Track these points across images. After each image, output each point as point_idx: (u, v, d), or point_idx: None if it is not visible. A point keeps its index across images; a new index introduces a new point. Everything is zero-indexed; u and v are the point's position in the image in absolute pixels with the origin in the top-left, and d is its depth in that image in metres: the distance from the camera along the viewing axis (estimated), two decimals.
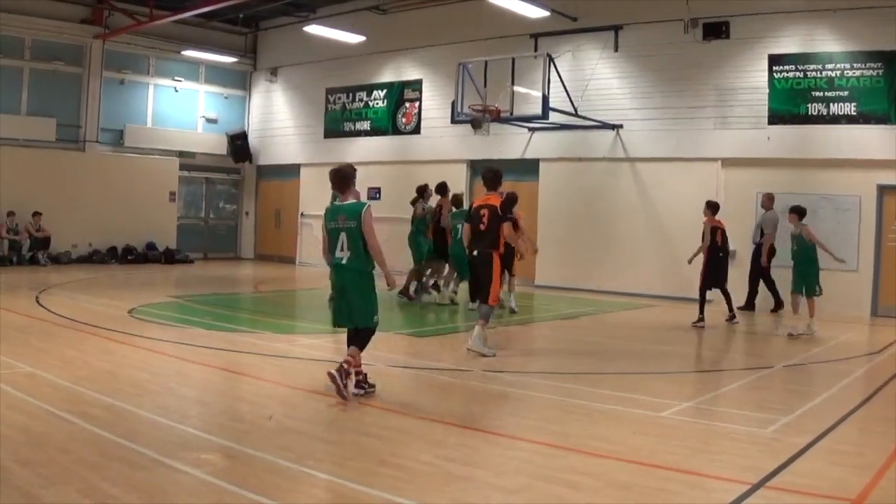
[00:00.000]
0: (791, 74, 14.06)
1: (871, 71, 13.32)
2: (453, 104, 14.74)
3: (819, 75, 13.80)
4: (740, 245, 13.70)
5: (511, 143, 17.32)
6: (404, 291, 13.05)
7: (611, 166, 16.16)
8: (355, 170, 6.54)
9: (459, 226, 11.66)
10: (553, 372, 8.00)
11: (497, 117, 14.34)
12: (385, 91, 19.84)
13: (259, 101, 22.98)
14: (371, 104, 20.16)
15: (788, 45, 14.12)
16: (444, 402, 6.53)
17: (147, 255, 20.02)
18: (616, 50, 16.06)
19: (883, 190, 13.38)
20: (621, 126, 15.85)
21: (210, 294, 13.90)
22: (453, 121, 15.18)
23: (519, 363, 8.41)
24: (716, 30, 14.74)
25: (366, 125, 20.26)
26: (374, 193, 19.36)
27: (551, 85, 14.11)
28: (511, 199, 9.73)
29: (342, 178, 6.38)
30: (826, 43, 13.77)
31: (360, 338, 6.37)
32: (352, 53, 19.74)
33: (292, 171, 21.81)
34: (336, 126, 20.89)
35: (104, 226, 19.38)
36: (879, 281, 13.41)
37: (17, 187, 17.72)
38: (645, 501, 4.24)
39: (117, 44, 19.72)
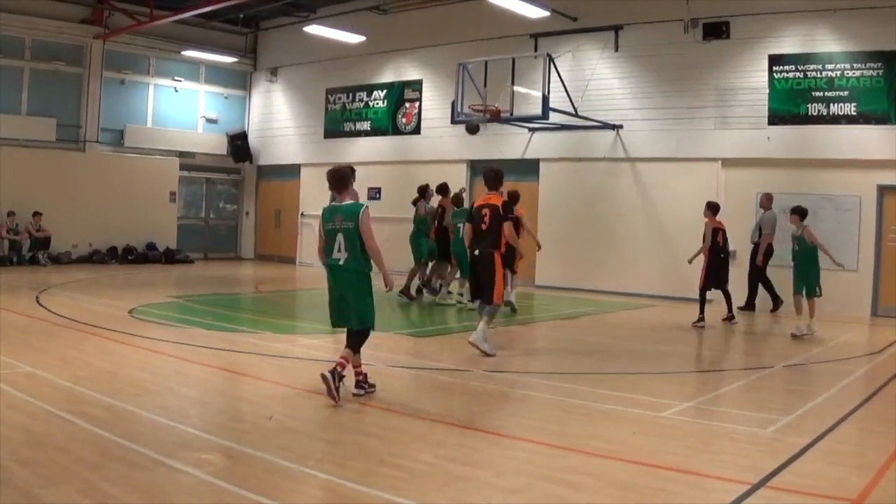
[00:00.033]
0: (791, 74, 14.06)
1: (871, 71, 13.32)
2: (453, 104, 14.74)
3: (819, 75, 13.80)
4: (740, 245, 13.69)
5: (511, 144, 17.32)
6: (405, 291, 13.07)
7: (611, 166, 16.16)
8: (353, 170, 6.52)
9: (460, 225, 11.70)
10: (553, 372, 8.01)
11: (497, 117, 14.35)
12: (385, 91, 19.84)
13: (259, 102, 22.98)
14: (371, 104, 20.17)
15: (788, 45, 14.13)
16: (445, 403, 6.53)
17: (147, 256, 20.03)
18: (616, 50, 16.07)
19: (883, 190, 13.38)
20: (621, 126, 15.85)
21: (210, 294, 13.91)
22: (453, 121, 15.19)
23: (519, 363, 8.42)
24: (716, 30, 14.74)
25: (366, 125, 20.26)
26: (375, 193, 19.38)
27: (551, 85, 14.11)
28: (512, 198, 9.75)
29: (339, 178, 6.35)
30: (826, 43, 13.77)
31: (355, 339, 6.34)
32: (352, 53, 19.74)
33: (292, 171, 21.82)
34: (336, 126, 20.89)
35: (104, 226, 19.39)
36: (880, 281, 13.41)
37: (17, 187, 17.73)
38: (645, 501, 4.24)
39: (117, 44, 19.73)
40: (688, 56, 15.06)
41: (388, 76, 19.80)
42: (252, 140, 22.84)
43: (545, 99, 13.88)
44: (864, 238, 13.37)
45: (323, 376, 5.97)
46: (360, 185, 16.82)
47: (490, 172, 8.84)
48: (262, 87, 22.84)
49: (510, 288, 11.60)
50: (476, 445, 5.21)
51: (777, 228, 13.24)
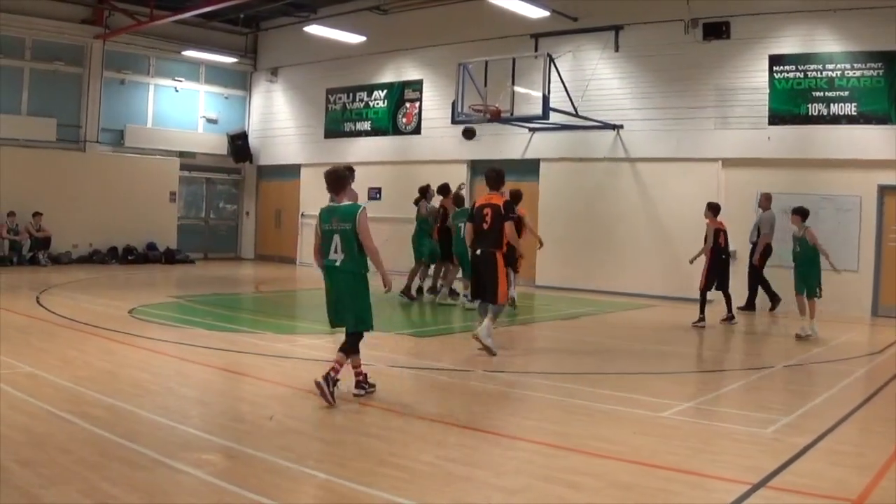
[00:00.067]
0: (791, 75, 14.06)
1: (871, 71, 13.32)
2: (454, 104, 14.75)
3: (819, 75, 13.80)
4: (740, 246, 13.69)
5: (511, 144, 17.33)
6: (405, 291, 13.07)
7: (611, 166, 16.16)
8: (352, 170, 6.50)
9: (461, 224, 11.71)
10: (554, 372, 8.01)
11: (497, 117, 14.36)
12: (385, 91, 19.84)
13: (259, 102, 22.99)
14: (371, 104, 20.17)
15: (789, 45, 14.12)
16: (445, 403, 6.53)
17: (147, 256, 20.03)
18: (616, 50, 16.07)
19: (883, 190, 13.39)
20: (622, 126, 15.85)
21: (211, 294, 13.91)
22: (454, 121, 15.18)
23: (520, 363, 8.42)
24: (716, 30, 14.74)
25: (366, 125, 20.26)
26: (375, 194, 19.39)
27: (552, 85, 14.12)
28: (513, 197, 9.74)
29: (336, 179, 6.31)
30: (826, 43, 13.77)
31: (350, 340, 6.30)
32: (352, 54, 19.75)
33: (293, 171, 21.82)
34: (336, 126, 20.90)
35: (105, 226, 19.39)
36: (880, 281, 13.41)
37: (17, 187, 17.73)
38: (646, 502, 4.24)
39: (118, 44, 19.73)
40: (688, 56, 15.06)
41: (388, 76, 19.81)
42: (252, 140, 22.85)
43: (545, 99, 13.88)
44: (864, 238, 13.37)
45: (317, 383, 5.95)
46: (361, 186, 16.86)
47: (491, 172, 8.84)
48: (262, 88, 22.84)
49: (512, 286, 11.61)
50: (476, 445, 5.21)
51: (776, 228, 13.24)
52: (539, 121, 14.95)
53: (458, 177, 17.10)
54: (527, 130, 17.05)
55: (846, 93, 13.54)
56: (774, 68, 14.22)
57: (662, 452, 5.06)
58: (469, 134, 13.70)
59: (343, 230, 6.14)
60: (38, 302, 11.41)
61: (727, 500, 4.17)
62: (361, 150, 19.91)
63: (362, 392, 6.31)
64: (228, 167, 22.85)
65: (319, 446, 5.21)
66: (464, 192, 14.06)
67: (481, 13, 16.64)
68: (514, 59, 14.52)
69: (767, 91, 14.27)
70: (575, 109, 14.93)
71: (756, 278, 13.42)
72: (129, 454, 4.60)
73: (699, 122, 15.00)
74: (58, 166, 18.78)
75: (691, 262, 11.92)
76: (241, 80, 22.99)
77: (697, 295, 11.63)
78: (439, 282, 13.35)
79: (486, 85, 14.39)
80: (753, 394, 7.27)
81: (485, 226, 8.49)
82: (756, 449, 5.22)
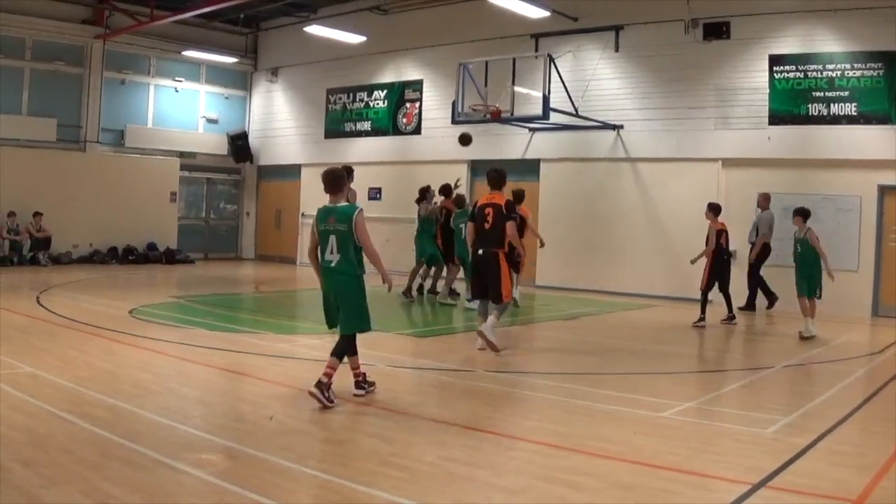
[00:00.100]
0: (791, 75, 14.06)
1: (871, 71, 13.32)
2: (454, 104, 14.74)
3: (819, 75, 13.80)
4: (740, 246, 13.69)
5: (512, 144, 17.33)
6: (406, 292, 13.07)
7: (611, 167, 16.16)
8: (351, 170, 6.48)
9: (463, 226, 11.70)
10: (554, 372, 8.01)
11: (498, 117, 14.36)
12: (386, 91, 19.85)
13: (260, 102, 22.99)
14: (372, 104, 20.17)
15: (789, 45, 14.13)
16: (446, 403, 6.54)
17: (148, 256, 20.03)
18: (617, 50, 16.07)
19: (883, 190, 13.39)
20: (622, 126, 15.86)
21: (211, 294, 13.91)
22: (454, 121, 15.17)
23: (520, 363, 8.42)
24: (716, 30, 14.75)
25: (366, 125, 20.26)
26: (375, 194, 19.40)
27: (552, 85, 14.11)
28: (516, 196, 9.73)
29: (334, 180, 6.28)
30: (826, 43, 13.77)
31: (343, 343, 6.24)
32: (352, 54, 19.75)
33: (293, 171, 21.82)
34: (337, 126, 20.90)
35: (105, 226, 19.39)
36: (880, 281, 13.41)
37: (17, 188, 17.73)
38: (647, 502, 4.24)
39: (118, 44, 19.74)
40: (688, 56, 15.07)
41: (388, 76, 19.81)
42: (252, 140, 22.85)
43: (546, 99, 13.88)
44: (864, 238, 13.37)
45: (311, 393, 5.89)
46: (361, 186, 16.87)
47: (493, 172, 8.83)
48: (262, 88, 22.85)
49: (516, 289, 11.60)
50: (477, 446, 5.21)
51: (775, 228, 13.24)
52: (539, 121, 14.96)
53: (458, 177, 17.07)
54: (527, 130, 17.06)
55: (846, 93, 13.54)
56: (774, 68, 14.22)
57: (663, 452, 5.06)
58: (465, 140, 13.64)
59: (339, 231, 6.11)
60: (38, 302, 11.41)
61: (728, 500, 4.18)
62: (362, 151, 19.92)
63: (363, 392, 6.31)
64: (229, 167, 22.86)
65: (320, 446, 5.22)
66: (461, 184, 14.05)
67: (481, 13, 16.65)
68: (514, 60, 14.52)
69: (767, 91, 14.28)
70: (575, 109, 14.93)
71: (751, 277, 13.42)
72: (130, 454, 4.61)
73: (699, 123, 15.00)
74: (58, 166, 18.78)
75: (693, 262, 11.91)
76: (241, 81, 23.00)
77: (697, 295, 11.63)
78: (440, 281, 13.35)
79: (486, 85, 14.39)
80: (754, 394, 7.27)
81: (486, 225, 8.48)
82: (756, 449, 5.22)
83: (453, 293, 13.17)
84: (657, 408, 6.26)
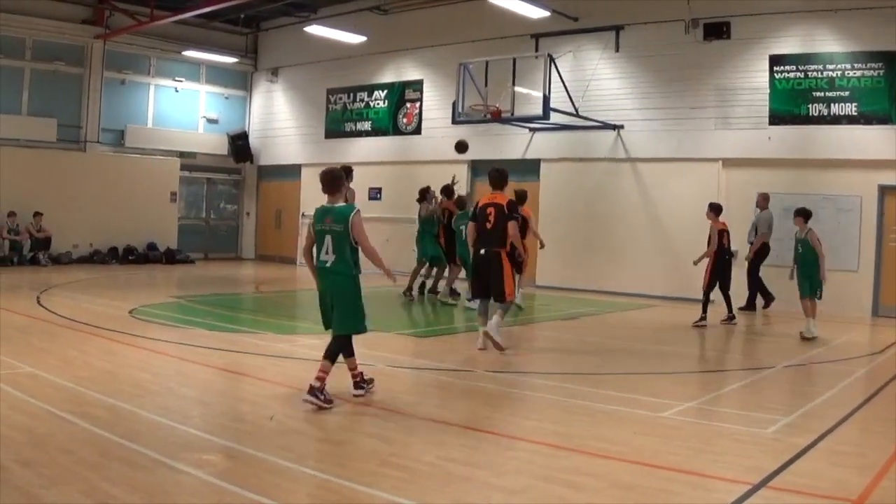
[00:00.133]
0: (792, 75, 14.06)
1: (871, 71, 13.32)
2: (454, 104, 14.75)
3: (820, 76, 13.80)
4: (740, 246, 13.69)
5: (512, 144, 17.33)
6: (407, 291, 13.07)
7: (612, 167, 16.16)
8: (350, 170, 6.45)
9: (463, 227, 11.69)
10: (554, 372, 8.01)
11: (498, 117, 14.36)
12: (386, 91, 19.85)
13: (260, 102, 22.99)
14: (372, 104, 20.17)
15: (789, 45, 14.12)
16: (446, 403, 6.53)
17: (148, 256, 20.03)
18: (617, 50, 16.06)
19: (884, 190, 13.39)
20: (622, 126, 15.85)
21: (211, 294, 13.90)
22: (454, 121, 15.19)
23: (520, 363, 8.42)
24: (716, 30, 14.75)
25: (367, 125, 20.26)
26: (375, 194, 19.40)
27: (552, 85, 14.10)
28: (519, 197, 9.72)
29: (332, 180, 6.25)
30: (827, 43, 13.77)
31: (336, 345, 6.20)
32: (353, 54, 19.75)
33: (293, 171, 21.81)
34: (337, 126, 20.90)
35: (105, 226, 19.40)
36: (880, 281, 13.41)
37: (17, 188, 17.73)
38: (647, 502, 4.24)
39: (118, 44, 19.74)
40: (688, 56, 15.06)
41: (388, 76, 19.81)
42: (253, 140, 22.86)
43: (546, 99, 13.88)
44: (864, 238, 13.37)
45: (306, 401, 5.86)
46: (361, 186, 16.86)
47: (495, 172, 8.83)
48: (262, 88, 22.85)
49: (518, 291, 11.58)
50: (477, 446, 5.21)
51: (774, 228, 13.24)
52: (539, 121, 14.96)
53: (458, 177, 17.10)
54: (527, 130, 17.06)
55: (846, 93, 13.54)
56: (775, 68, 14.22)
57: (663, 452, 5.06)
58: (461, 148, 13.61)
59: (335, 231, 6.09)
60: (38, 302, 11.41)
61: (728, 500, 4.17)
62: (362, 151, 19.92)
63: (362, 392, 6.30)
64: (229, 167, 22.86)
65: (320, 446, 5.22)
66: (458, 181, 14.04)
67: (482, 13, 16.65)
68: (514, 60, 14.52)
69: (768, 91, 14.27)
70: (575, 109, 14.93)
71: (749, 277, 13.41)
72: (130, 454, 4.60)
73: (700, 123, 15.00)
74: (58, 166, 18.79)
75: (696, 263, 11.86)
76: (241, 81, 23.00)
77: (697, 295, 11.64)
78: (441, 281, 13.34)
79: (486, 85, 14.40)
80: (754, 394, 7.27)
81: (488, 225, 8.48)
82: (757, 449, 5.22)
83: (454, 293, 13.17)
84: (657, 408, 6.26)
